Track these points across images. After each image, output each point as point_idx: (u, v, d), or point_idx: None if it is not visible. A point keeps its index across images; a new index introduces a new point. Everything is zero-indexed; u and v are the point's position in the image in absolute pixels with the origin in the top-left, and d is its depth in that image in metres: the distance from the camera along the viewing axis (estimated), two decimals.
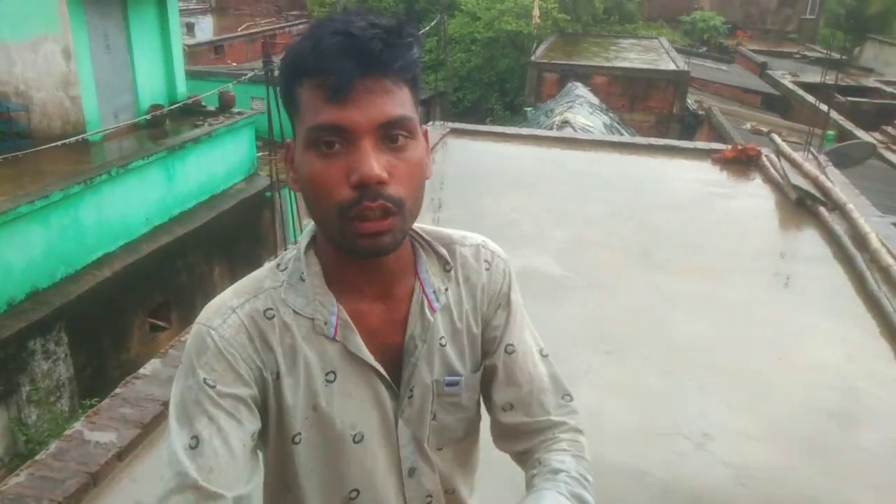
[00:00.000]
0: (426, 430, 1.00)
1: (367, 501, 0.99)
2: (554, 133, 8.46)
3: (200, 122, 9.03)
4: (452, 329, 1.00)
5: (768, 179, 6.24)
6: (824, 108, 8.53)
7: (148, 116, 8.42)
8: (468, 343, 1.02)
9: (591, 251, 5.07)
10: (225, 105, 9.73)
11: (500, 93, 21.12)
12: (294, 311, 0.92)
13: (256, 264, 1.17)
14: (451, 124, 7.61)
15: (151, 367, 3.27)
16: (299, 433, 0.94)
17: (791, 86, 16.93)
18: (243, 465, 0.87)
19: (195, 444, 0.84)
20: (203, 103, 9.39)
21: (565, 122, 11.30)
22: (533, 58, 17.49)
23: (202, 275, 8.13)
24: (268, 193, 4.04)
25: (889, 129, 16.36)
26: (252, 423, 0.89)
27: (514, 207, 5.64)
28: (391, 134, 0.83)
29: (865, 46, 29.93)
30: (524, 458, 1.07)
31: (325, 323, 0.92)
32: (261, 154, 9.71)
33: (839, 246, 4.94)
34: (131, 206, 7.26)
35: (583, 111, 12.71)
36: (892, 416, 3.34)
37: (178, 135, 8.51)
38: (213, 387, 0.86)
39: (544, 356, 1.09)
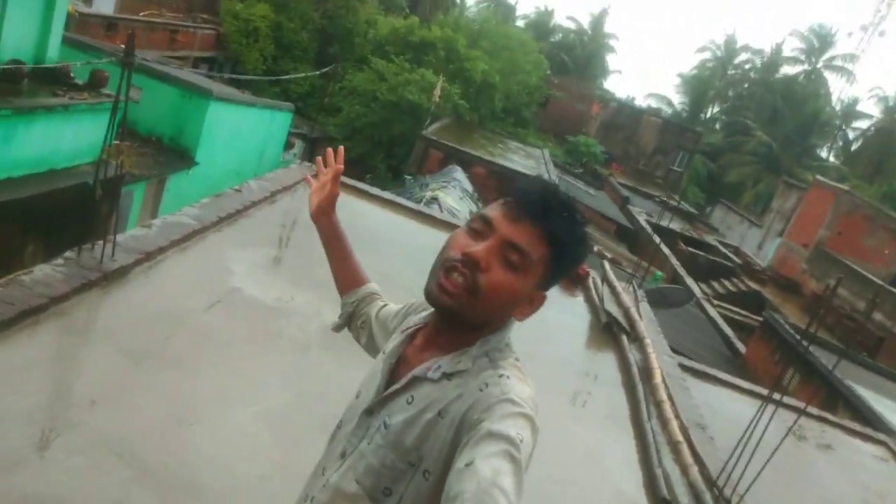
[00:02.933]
0: (364, 444, 1.25)
1: (340, 435, 1.33)
2: (415, 206, 8.70)
3: (62, 93, 8.50)
4: (419, 400, 1.20)
5: (588, 299, 6.75)
6: (665, 250, 9.43)
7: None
8: (414, 417, 1.18)
9: None
10: (96, 83, 9.23)
11: (387, 154, 21.53)
12: (416, 317, 1.41)
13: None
14: None
15: None
16: None
17: (644, 223, 18.50)
18: None
19: None
20: (72, 75, 8.87)
21: (434, 199, 11.67)
22: (425, 132, 18.07)
23: (13, 249, 7.48)
24: (89, 182, 3.85)
25: (715, 283, 18.19)
26: None
27: None
28: (509, 255, 1.17)
29: (716, 208, 33.47)
30: None
31: (408, 324, 1.39)
32: (122, 143, 9.23)
33: (629, 374, 5.39)
34: None
35: (454, 194, 13.20)
36: None
37: (33, 97, 7.95)
38: None
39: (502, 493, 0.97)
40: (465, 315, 1.20)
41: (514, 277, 1.17)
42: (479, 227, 1.20)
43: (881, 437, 7.13)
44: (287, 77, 17.31)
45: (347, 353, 4.43)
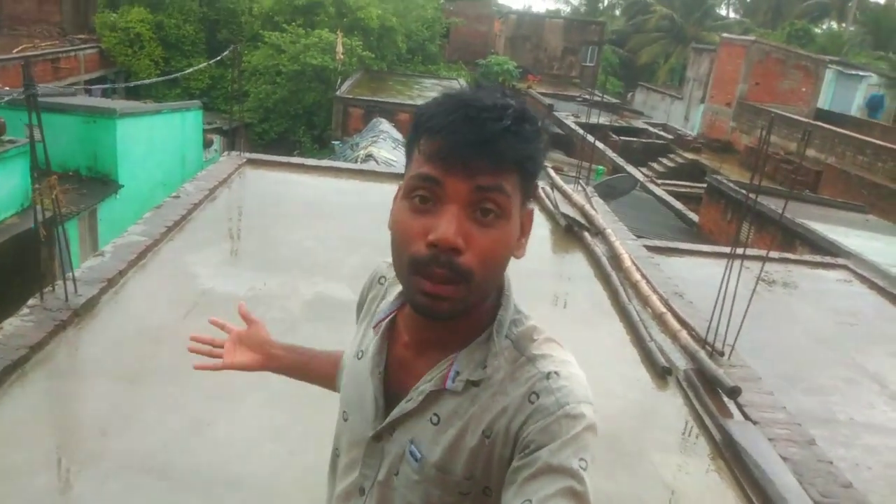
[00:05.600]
0: (391, 477, 1.02)
1: (342, 466, 1.11)
2: (352, 165, 8.67)
3: None
4: (447, 419, 0.97)
5: (543, 209, 6.90)
6: (599, 145, 9.62)
7: None
8: (454, 444, 0.96)
9: None
10: None
11: (308, 126, 21.15)
12: (384, 296, 1.13)
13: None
14: (247, 155, 7.54)
15: None
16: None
17: (573, 126, 18.71)
18: None
19: None
20: None
21: (369, 156, 11.63)
22: (338, 92, 17.79)
23: None
24: (33, 226, 3.76)
25: (654, 164, 18.63)
26: None
27: (309, 236, 5.73)
28: (484, 207, 0.88)
29: (636, 92, 33.93)
30: None
31: (378, 317, 1.09)
32: (40, 186, 8.90)
33: (599, 266, 5.59)
34: None
35: (386, 146, 13.14)
36: (638, 413, 3.86)
37: None
38: None
39: None
40: (469, 307, 0.93)
41: (500, 228, 0.90)
42: (426, 193, 0.89)
43: (840, 261, 7.55)
44: (182, 73, 16.72)
45: (336, 321, 4.50)
